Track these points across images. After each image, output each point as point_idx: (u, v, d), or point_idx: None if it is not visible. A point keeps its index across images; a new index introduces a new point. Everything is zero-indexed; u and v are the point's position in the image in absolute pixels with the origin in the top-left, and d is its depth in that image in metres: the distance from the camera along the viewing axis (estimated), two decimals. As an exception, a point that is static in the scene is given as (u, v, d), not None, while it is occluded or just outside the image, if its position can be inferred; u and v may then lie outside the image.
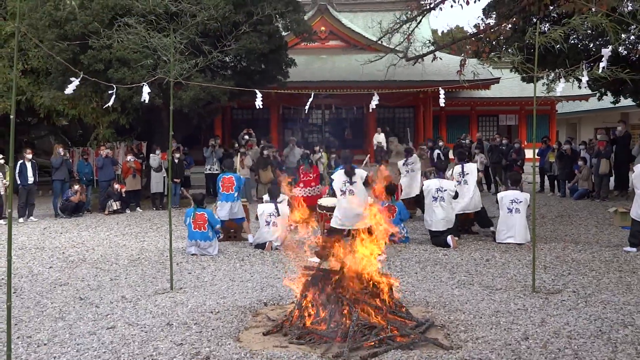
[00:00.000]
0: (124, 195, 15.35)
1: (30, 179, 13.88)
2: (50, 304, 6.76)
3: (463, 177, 10.85)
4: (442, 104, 9.44)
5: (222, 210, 10.68)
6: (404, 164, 13.02)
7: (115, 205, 15.01)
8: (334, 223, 9.25)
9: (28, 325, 5.93)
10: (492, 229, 10.67)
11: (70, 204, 14.38)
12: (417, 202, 12.39)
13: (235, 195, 10.84)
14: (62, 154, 14.97)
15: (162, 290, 7.31)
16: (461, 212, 10.75)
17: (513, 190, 10.29)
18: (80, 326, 5.86)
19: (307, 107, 9.58)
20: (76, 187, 14.54)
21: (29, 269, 8.72)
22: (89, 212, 15.27)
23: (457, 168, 11.03)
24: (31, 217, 14.03)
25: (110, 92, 7.10)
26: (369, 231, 6.09)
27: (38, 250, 10.26)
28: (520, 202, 10.05)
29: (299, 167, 13.75)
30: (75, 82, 6.06)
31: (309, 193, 12.35)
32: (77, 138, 22.91)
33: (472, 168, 11.10)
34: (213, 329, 5.68)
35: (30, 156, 14.00)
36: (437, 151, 16.90)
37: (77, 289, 7.46)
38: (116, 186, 15.31)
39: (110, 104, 7.46)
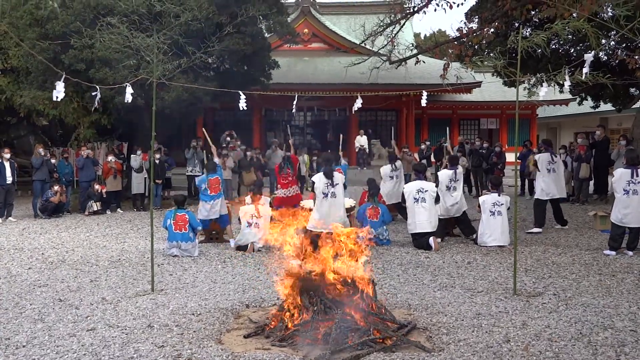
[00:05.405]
0: (104, 196, 15.23)
1: (9, 179, 13.70)
2: (29, 305, 6.68)
3: (454, 182, 10.69)
4: (423, 104, 9.47)
5: (212, 210, 10.65)
6: (392, 170, 12.90)
7: (96, 206, 14.90)
8: (311, 225, 8.96)
9: (6, 327, 5.84)
10: (473, 236, 10.58)
11: (50, 204, 14.24)
12: (399, 208, 12.30)
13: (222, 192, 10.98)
14: (42, 154, 14.83)
15: (143, 292, 7.25)
16: (446, 217, 10.73)
17: (494, 193, 10.32)
18: (59, 328, 5.80)
19: (293, 110, 9.56)
20: (56, 187, 14.41)
21: (8, 270, 8.61)
22: (69, 212, 15.14)
23: (449, 174, 10.77)
24: (10, 218, 13.87)
25: (94, 93, 7.05)
26: (346, 234, 5.99)
27: (17, 251, 10.14)
28: (502, 204, 10.10)
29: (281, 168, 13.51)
30: (61, 85, 6.01)
31: (285, 194, 12.22)
32: (58, 138, 22.67)
33: (461, 174, 10.97)
34: (194, 331, 5.65)
35: (8, 156, 13.81)
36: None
37: (57, 290, 7.39)
38: (97, 187, 15.20)
39: (95, 105, 7.43)
